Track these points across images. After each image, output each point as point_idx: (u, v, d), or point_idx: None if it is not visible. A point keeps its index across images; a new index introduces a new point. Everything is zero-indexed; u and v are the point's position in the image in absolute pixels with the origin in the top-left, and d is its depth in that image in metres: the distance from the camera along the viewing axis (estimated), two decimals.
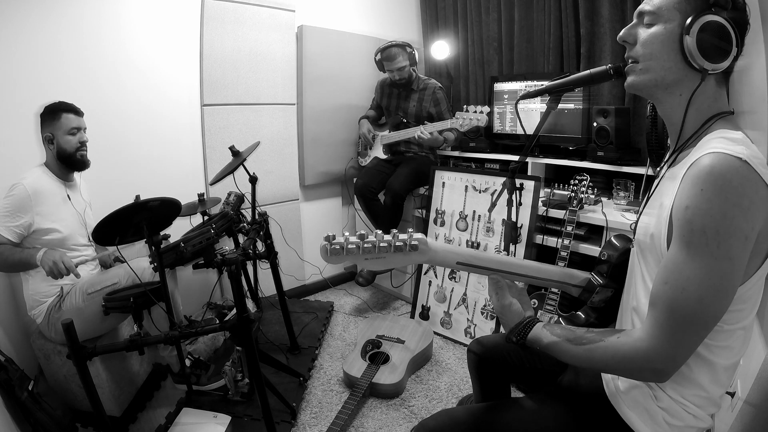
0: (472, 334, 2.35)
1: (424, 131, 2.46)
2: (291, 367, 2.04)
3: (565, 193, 2.01)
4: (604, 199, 2.11)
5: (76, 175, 1.89)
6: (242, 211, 2.06)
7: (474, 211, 2.40)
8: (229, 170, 2.02)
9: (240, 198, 2.03)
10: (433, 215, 2.57)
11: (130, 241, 1.59)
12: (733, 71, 0.81)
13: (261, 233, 2.04)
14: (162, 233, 1.56)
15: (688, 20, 0.75)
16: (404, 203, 2.62)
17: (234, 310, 1.47)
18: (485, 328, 2.31)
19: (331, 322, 2.65)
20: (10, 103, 1.87)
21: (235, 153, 2.03)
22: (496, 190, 2.15)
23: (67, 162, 1.77)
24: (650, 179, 1.93)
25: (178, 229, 1.83)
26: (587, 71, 1.16)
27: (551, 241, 2.07)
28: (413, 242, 0.81)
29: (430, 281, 2.58)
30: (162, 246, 1.53)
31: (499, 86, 2.64)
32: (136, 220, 1.50)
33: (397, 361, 2.06)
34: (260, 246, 2.16)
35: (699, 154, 0.73)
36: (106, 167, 2.06)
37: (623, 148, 2.11)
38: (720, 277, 0.69)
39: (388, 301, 2.95)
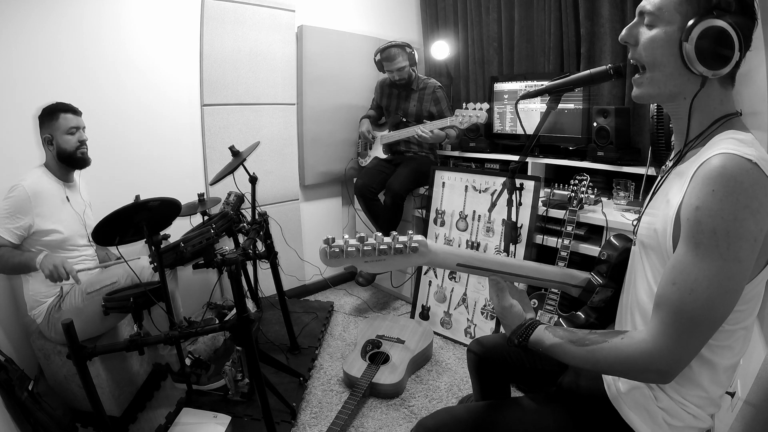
0: (472, 334, 2.35)
1: (424, 129, 2.46)
2: (291, 367, 2.04)
3: (565, 193, 2.01)
4: (604, 199, 2.11)
5: (76, 175, 1.89)
6: (242, 211, 2.06)
7: (474, 211, 2.40)
8: (229, 170, 2.02)
9: (240, 198, 2.03)
10: (433, 215, 2.57)
11: (130, 241, 1.59)
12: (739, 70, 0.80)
13: (261, 233, 2.04)
14: (162, 233, 1.56)
15: (688, 25, 0.74)
16: (404, 203, 2.62)
17: (234, 310, 1.47)
18: (485, 328, 2.31)
19: (331, 322, 2.65)
20: (10, 104, 1.87)
21: (235, 153, 2.03)
22: (496, 190, 2.15)
23: (68, 161, 1.77)
24: (650, 179, 1.93)
25: (178, 229, 1.83)
26: (587, 71, 1.16)
27: (551, 241, 2.07)
28: (413, 244, 0.81)
29: (430, 281, 2.58)
30: (162, 246, 1.53)
31: (499, 86, 2.64)
32: (136, 220, 1.50)
33: (397, 361, 2.06)
34: (260, 246, 2.16)
35: (709, 153, 0.73)
36: (106, 167, 2.06)
37: (623, 148, 2.11)
38: (728, 278, 0.69)
39: (388, 301, 2.95)
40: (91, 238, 1.79)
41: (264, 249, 2.15)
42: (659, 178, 0.91)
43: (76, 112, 1.78)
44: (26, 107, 1.84)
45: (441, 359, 2.26)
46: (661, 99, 0.84)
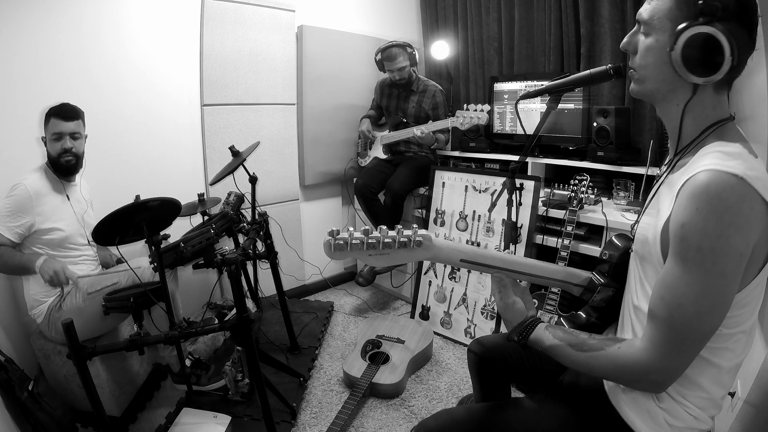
0: (472, 334, 2.35)
1: (424, 130, 2.47)
2: (291, 367, 2.04)
3: (565, 193, 2.01)
4: (604, 199, 2.11)
5: (77, 174, 1.88)
6: (242, 211, 2.06)
7: (474, 211, 2.40)
8: (229, 170, 2.02)
9: (240, 198, 2.03)
10: (433, 215, 2.57)
11: (130, 241, 1.59)
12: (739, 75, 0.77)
13: (261, 233, 2.04)
14: (162, 233, 1.56)
15: (675, 32, 0.73)
16: (404, 203, 2.62)
17: (234, 310, 1.47)
18: (485, 328, 2.31)
19: (331, 322, 2.65)
20: (10, 104, 1.87)
21: (235, 153, 2.03)
22: (496, 190, 2.15)
23: (54, 167, 1.75)
24: (650, 179, 1.93)
25: (178, 229, 1.83)
26: (587, 71, 1.17)
27: (551, 241, 2.07)
28: (417, 238, 0.81)
29: (430, 281, 2.58)
30: (162, 246, 1.53)
31: (499, 86, 2.64)
32: (136, 220, 1.50)
33: (397, 361, 2.06)
34: (260, 246, 2.16)
35: (696, 167, 0.73)
36: (106, 167, 2.06)
37: (623, 148, 2.11)
38: (715, 293, 0.70)
39: (388, 301, 2.95)
40: (90, 238, 1.79)
41: (264, 249, 2.15)
42: (655, 183, 0.91)
43: (66, 117, 1.71)
44: (26, 107, 1.85)
45: (441, 359, 2.26)
46: (654, 99, 0.84)
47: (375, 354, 2.12)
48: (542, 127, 1.32)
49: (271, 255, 2.14)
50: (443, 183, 2.53)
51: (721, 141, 0.75)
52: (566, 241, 1.90)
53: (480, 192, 2.39)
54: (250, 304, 2.33)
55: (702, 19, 0.71)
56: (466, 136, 2.74)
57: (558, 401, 0.99)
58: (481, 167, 2.66)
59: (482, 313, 2.33)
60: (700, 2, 0.71)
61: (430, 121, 2.57)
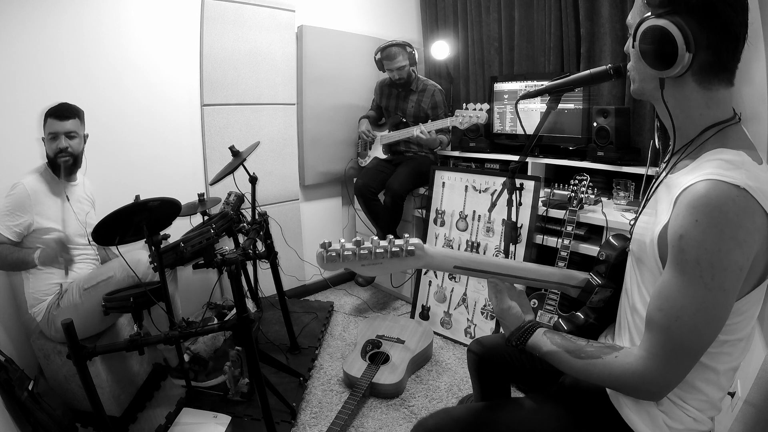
0: (472, 334, 2.35)
1: (423, 131, 2.47)
2: (291, 367, 2.04)
3: (565, 193, 2.00)
4: (604, 199, 2.11)
5: (79, 174, 1.88)
6: (242, 211, 2.06)
7: (474, 211, 2.40)
8: (229, 170, 2.02)
9: (240, 198, 2.03)
10: (433, 215, 2.57)
11: (130, 241, 1.59)
12: (731, 72, 0.75)
13: (261, 233, 2.04)
14: (162, 233, 1.56)
15: (634, 27, 0.75)
16: (404, 203, 2.62)
17: (234, 310, 1.47)
18: (485, 328, 2.31)
19: (331, 322, 2.65)
20: (10, 103, 1.87)
21: (235, 153, 2.03)
22: (496, 190, 2.15)
23: (51, 166, 1.76)
24: (650, 179, 1.93)
25: (178, 229, 1.83)
26: (587, 71, 1.17)
27: (551, 241, 2.07)
28: (409, 248, 0.81)
29: (430, 281, 2.58)
30: (162, 246, 1.53)
31: (499, 86, 2.64)
32: (136, 220, 1.50)
33: (397, 361, 2.06)
34: (260, 246, 2.16)
35: (696, 174, 0.71)
36: (106, 167, 2.06)
37: (623, 148, 2.11)
38: (713, 306, 0.69)
39: (388, 301, 2.95)
40: (90, 238, 1.79)
41: (264, 249, 2.15)
42: (653, 182, 0.91)
43: (61, 116, 1.72)
44: (26, 107, 1.85)
45: (441, 359, 2.26)
46: (648, 98, 0.85)
47: (375, 354, 2.12)
48: (542, 127, 1.32)
49: (271, 255, 2.14)
50: (443, 183, 2.53)
51: (724, 147, 0.74)
52: (566, 241, 1.90)
53: (480, 192, 2.39)
54: (250, 304, 2.33)
55: (654, 12, 0.72)
56: (466, 136, 2.74)
57: (559, 402, 0.99)
58: (481, 167, 2.65)
59: (482, 313, 2.33)
60: None
61: (429, 121, 2.57)
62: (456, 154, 2.83)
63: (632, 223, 0.94)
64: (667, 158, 0.89)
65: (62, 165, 1.74)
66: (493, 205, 1.77)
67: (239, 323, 1.42)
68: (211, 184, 2.30)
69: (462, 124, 2.37)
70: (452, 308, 2.46)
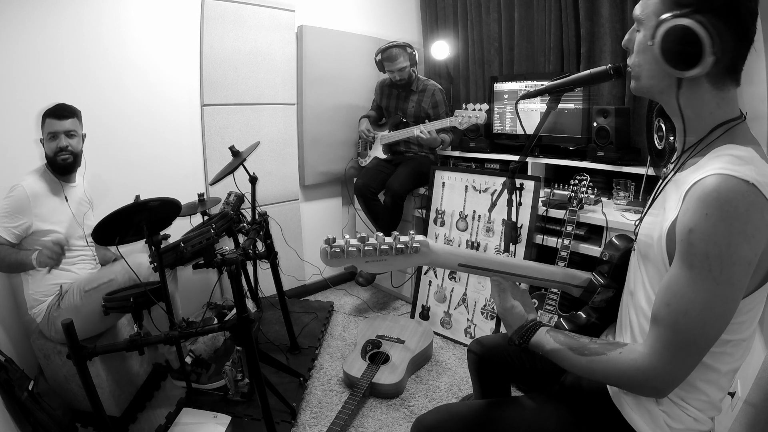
0: (472, 334, 2.35)
1: (423, 130, 2.47)
2: (291, 367, 2.04)
3: (565, 193, 2.01)
4: (604, 199, 2.11)
5: (78, 175, 1.88)
6: (242, 211, 2.06)
7: (474, 211, 2.40)
8: (229, 170, 2.02)
9: (240, 198, 2.03)
10: (433, 215, 2.57)
11: (130, 241, 1.59)
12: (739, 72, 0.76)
13: (261, 233, 2.04)
14: (162, 233, 1.55)
15: (653, 25, 0.73)
16: (404, 203, 2.62)
17: (234, 310, 1.47)
18: (485, 328, 2.31)
19: (331, 322, 2.65)
20: (10, 104, 1.87)
21: (235, 153, 2.03)
22: (496, 190, 2.15)
23: (52, 166, 1.76)
24: (650, 179, 1.93)
25: (178, 229, 1.83)
26: (587, 71, 1.17)
27: (551, 241, 2.07)
28: (414, 244, 0.80)
29: (430, 281, 2.58)
30: (162, 246, 1.53)
31: (499, 86, 2.64)
32: (136, 220, 1.50)
33: (397, 361, 2.06)
34: (260, 246, 2.16)
35: (706, 169, 0.71)
36: (106, 167, 2.06)
37: (623, 148, 2.11)
38: (722, 301, 0.69)
39: (388, 301, 2.95)
40: (90, 239, 1.79)
41: (264, 249, 2.15)
42: (661, 181, 0.90)
43: (59, 116, 1.72)
44: (26, 107, 1.84)
45: (441, 359, 2.26)
46: (653, 95, 0.84)
47: (375, 354, 2.12)
48: (542, 127, 1.32)
49: (271, 255, 2.14)
50: (443, 183, 2.53)
51: (733, 144, 0.74)
52: (566, 241, 1.90)
53: (480, 192, 2.39)
54: (250, 304, 2.33)
55: (680, 11, 0.71)
56: (466, 136, 2.74)
57: (560, 401, 0.99)
58: (481, 167, 2.66)
59: (482, 313, 2.33)
60: None
61: (427, 121, 2.56)
62: (456, 154, 2.83)
63: (637, 222, 0.93)
64: (675, 157, 0.89)
65: (63, 164, 1.74)
66: (493, 205, 1.77)
67: (239, 323, 1.42)
68: (211, 184, 2.30)
69: (461, 125, 2.37)
70: (452, 308, 2.46)
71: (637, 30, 0.81)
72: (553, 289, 1.92)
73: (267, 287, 2.46)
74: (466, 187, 2.43)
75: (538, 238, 2.14)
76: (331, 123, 2.96)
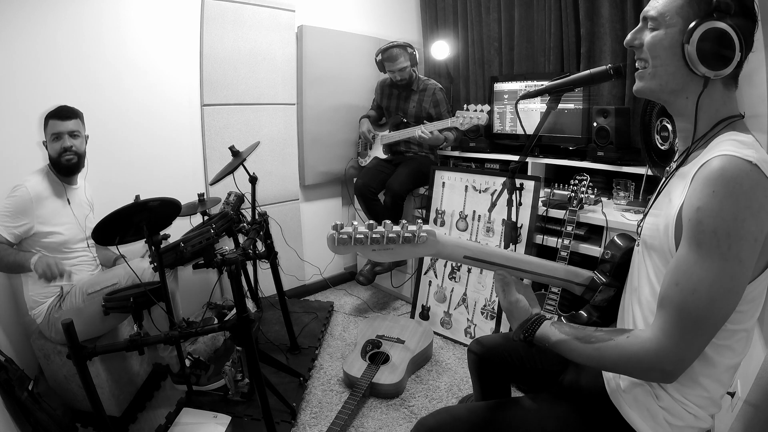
0: (472, 334, 2.35)
1: (424, 131, 2.47)
2: (291, 367, 2.04)
3: (565, 193, 2.01)
4: (604, 199, 2.12)
5: (80, 177, 1.88)
6: (242, 211, 2.06)
7: (474, 211, 2.40)
8: (229, 170, 2.02)
9: (240, 198, 2.03)
10: (433, 215, 2.57)
11: (130, 241, 1.59)
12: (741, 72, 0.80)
13: (261, 233, 2.04)
14: (162, 233, 1.56)
15: (689, 27, 0.75)
16: (404, 203, 2.62)
17: (234, 310, 1.47)
18: (485, 328, 2.31)
19: (331, 322, 2.65)
20: (10, 104, 1.87)
21: (235, 153, 2.03)
22: (496, 190, 2.15)
23: (56, 167, 1.76)
24: (650, 179, 1.93)
25: (178, 229, 1.83)
26: (587, 71, 1.17)
27: (551, 241, 2.07)
28: (422, 234, 0.80)
29: (430, 281, 2.58)
30: (162, 246, 1.53)
31: (499, 86, 2.64)
32: (136, 220, 1.50)
33: (397, 361, 2.06)
34: (260, 246, 2.16)
35: (710, 155, 0.74)
36: (106, 167, 2.06)
37: (623, 148, 2.11)
38: (730, 278, 0.70)
39: (388, 301, 2.95)
40: (91, 242, 1.79)
41: (264, 249, 2.15)
42: (663, 179, 0.91)
43: (62, 116, 1.72)
44: (26, 107, 1.85)
45: (441, 359, 2.26)
46: (662, 95, 0.84)
47: (375, 354, 2.12)
48: (542, 127, 1.32)
49: (271, 255, 2.14)
50: (443, 183, 2.53)
51: (735, 131, 0.77)
52: (566, 241, 1.90)
53: (480, 192, 2.39)
54: (250, 304, 2.33)
55: (716, 15, 0.74)
56: (466, 136, 2.74)
57: (559, 401, 0.99)
58: (481, 167, 2.66)
59: (482, 313, 2.33)
60: (715, 0, 0.74)
61: (426, 121, 2.56)
62: (456, 154, 2.83)
63: (640, 221, 0.94)
64: (678, 155, 0.89)
65: (67, 164, 1.74)
66: (493, 205, 1.77)
67: (239, 323, 1.42)
68: (211, 184, 2.30)
69: (463, 125, 2.37)
70: (452, 308, 2.46)
71: (651, 29, 0.81)
72: (553, 289, 1.92)
73: (267, 287, 2.46)
74: (466, 187, 2.43)
75: (538, 238, 2.14)
76: (331, 123, 2.96)
